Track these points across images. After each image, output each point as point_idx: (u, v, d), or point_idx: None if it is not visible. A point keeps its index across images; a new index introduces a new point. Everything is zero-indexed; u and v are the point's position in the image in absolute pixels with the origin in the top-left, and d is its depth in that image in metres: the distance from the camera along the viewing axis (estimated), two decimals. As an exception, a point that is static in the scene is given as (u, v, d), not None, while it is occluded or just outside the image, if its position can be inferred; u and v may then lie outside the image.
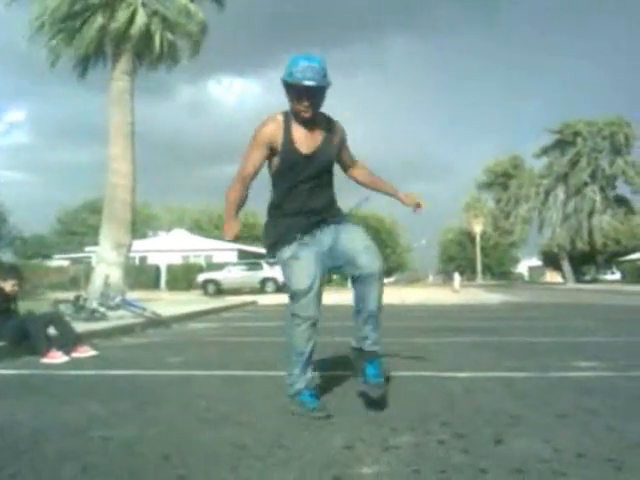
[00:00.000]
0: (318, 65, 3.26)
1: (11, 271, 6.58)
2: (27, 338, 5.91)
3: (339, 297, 14.49)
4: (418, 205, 3.70)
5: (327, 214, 3.52)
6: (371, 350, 3.52)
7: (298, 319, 3.40)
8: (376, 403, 3.47)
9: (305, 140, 3.41)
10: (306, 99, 3.31)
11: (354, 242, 3.44)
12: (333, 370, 4.95)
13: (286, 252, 3.44)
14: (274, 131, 3.41)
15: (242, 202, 3.62)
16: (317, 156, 3.43)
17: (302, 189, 3.46)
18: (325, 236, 3.47)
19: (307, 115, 3.37)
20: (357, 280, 3.43)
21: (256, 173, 3.54)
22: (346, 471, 2.43)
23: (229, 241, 3.85)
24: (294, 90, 3.30)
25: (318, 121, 3.47)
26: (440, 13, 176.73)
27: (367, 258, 3.39)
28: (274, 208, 3.59)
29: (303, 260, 3.38)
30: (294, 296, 3.40)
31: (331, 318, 7.81)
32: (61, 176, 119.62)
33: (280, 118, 3.43)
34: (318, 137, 3.46)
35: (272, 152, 3.46)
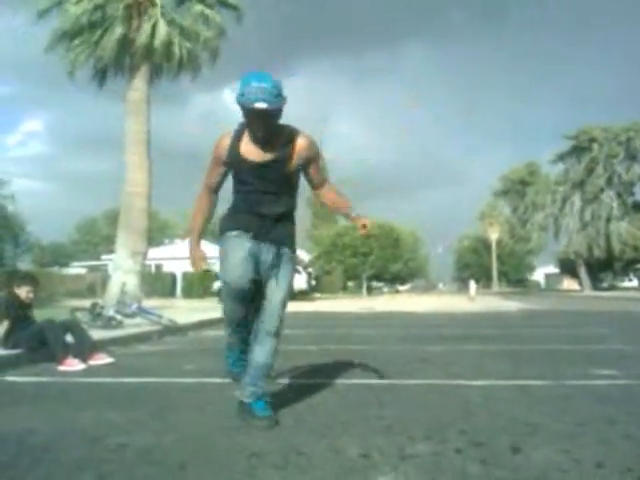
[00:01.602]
0: (270, 85, 3.18)
1: (26, 278, 6.60)
2: (44, 345, 5.95)
3: (339, 304, 14.42)
4: (363, 226, 3.53)
5: (277, 231, 3.46)
6: (247, 402, 3.43)
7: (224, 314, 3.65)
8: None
9: (255, 150, 3.36)
10: (258, 120, 3.24)
11: (276, 288, 3.44)
12: (347, 378, 4.94)
13: (227, 242, 3.43)
14: (226, 146, 3.42)
15: (209, 214, 3.70)
16: (265, 167, 3.35)
17: (253, 197, 3.43)
18: (267, 251, 3.42)
19: (260, 135, 3.31)
20: (256, 332, 3.51)
21: (219, 184, 3.61)
22: (363, 480, 2.41)
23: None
24: (246, 111, 3.24)
25: (277, 134, 3.37)
26: (453, 21, 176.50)
27: (271, 317, 3.43)
28: (230, 209, 3.58)
29: (236, 256, 3.34)
30: (222, 285, 3.47)
31: (338, 325, 7.78)
32: (81, 185, 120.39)
33: (232, 131, 3.44)
34: (271, 149, 3.35)
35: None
